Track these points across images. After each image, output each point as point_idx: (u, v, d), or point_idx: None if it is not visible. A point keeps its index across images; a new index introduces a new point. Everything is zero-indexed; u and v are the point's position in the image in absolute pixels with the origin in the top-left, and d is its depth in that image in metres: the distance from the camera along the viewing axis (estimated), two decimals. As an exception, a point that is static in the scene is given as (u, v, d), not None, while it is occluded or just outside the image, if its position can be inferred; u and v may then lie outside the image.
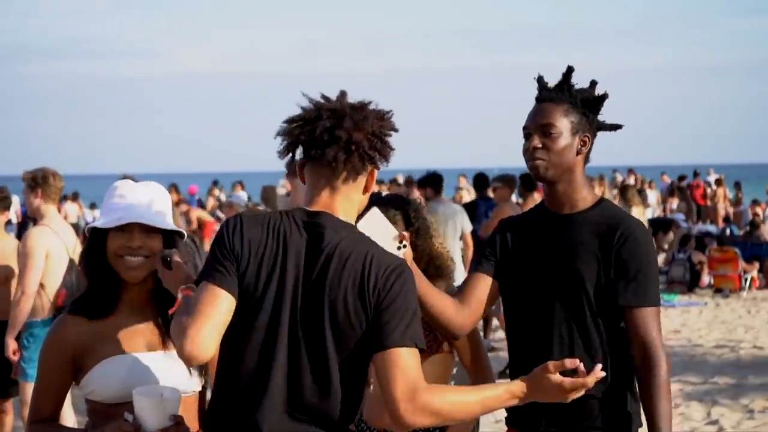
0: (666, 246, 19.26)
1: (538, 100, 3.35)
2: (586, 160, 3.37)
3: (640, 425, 3.35)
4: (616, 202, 12.45)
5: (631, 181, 25.42)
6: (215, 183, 26.86)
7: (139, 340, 3.07)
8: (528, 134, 3.32)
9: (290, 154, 2.79)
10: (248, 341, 2.71)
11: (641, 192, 20.17)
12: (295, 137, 2.76)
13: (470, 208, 11.55)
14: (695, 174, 28.43)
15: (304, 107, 2.77)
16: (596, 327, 3.25)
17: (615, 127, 3.42)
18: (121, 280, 3.06)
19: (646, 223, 12.49)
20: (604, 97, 3.35)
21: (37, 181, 6.64)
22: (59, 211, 7.99)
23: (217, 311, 2.66)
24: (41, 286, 6.51)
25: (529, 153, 3.30)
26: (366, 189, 2.83)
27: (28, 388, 6.37)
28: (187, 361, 2.68)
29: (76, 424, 6.34)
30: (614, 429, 3.29)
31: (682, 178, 27.28)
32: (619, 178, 27.46)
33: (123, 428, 2.80)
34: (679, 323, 13.48)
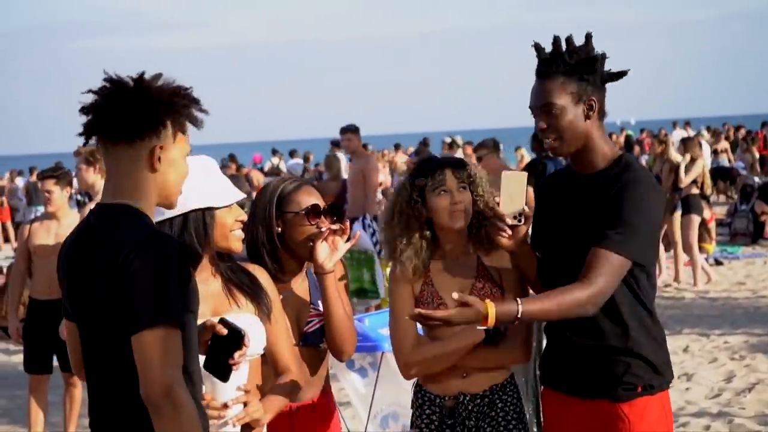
0: (730, 194, 18.96)
1: (536, 76, 3.32)
2: (601, 117, 3.34)
3: (671, 377, 3.36)
4: (678, 154, 12.29)
5: (691, 133, 25.09)
6: (274, 152, 27.00)
7: (204, 306, 3.09)
8: (534, 115, 3.32)
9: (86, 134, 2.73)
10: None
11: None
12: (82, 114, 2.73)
13: (537, 168, 11.41)
14: (763, 125, 27.90)
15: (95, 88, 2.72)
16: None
17: (620, 75, 3.35)
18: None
19: (707, 176, 12.35)
20: (595, 59, 3.28)
21: (96, 156, 6.70)
22: None
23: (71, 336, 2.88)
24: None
25: (540, 134, 3.31)
26: (151, 167, 2.67)
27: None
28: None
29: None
30: (643, 382, 3.29)
31: (738, 128, 26.85)
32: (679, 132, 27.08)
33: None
34: (743, 275, 13.33)
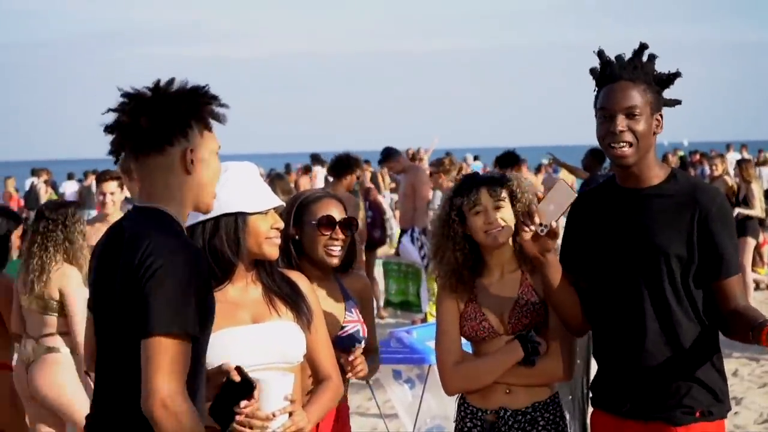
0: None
1: (613, 78, 3.23)
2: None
3: (729, 408, 3.28)
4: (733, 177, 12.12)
5: (746, 156, 24.80)
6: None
7: (243, 313, 3.14)
8: (609, 116, 3.21)
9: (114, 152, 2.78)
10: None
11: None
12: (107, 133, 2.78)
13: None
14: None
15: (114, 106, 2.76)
16: (678, 301, 3.20)
17: (675, 103, 3.33)
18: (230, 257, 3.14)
19: (763, 199, 12.18)
20: (677, 74, 3.27)
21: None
22: None
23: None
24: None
25: (613, 136, 3.19)
26: (186, 171, 2.71)
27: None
28: None
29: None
30: (701, 407, 3.21)
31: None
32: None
33: (240, 409, 2.88)
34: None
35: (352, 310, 3.70)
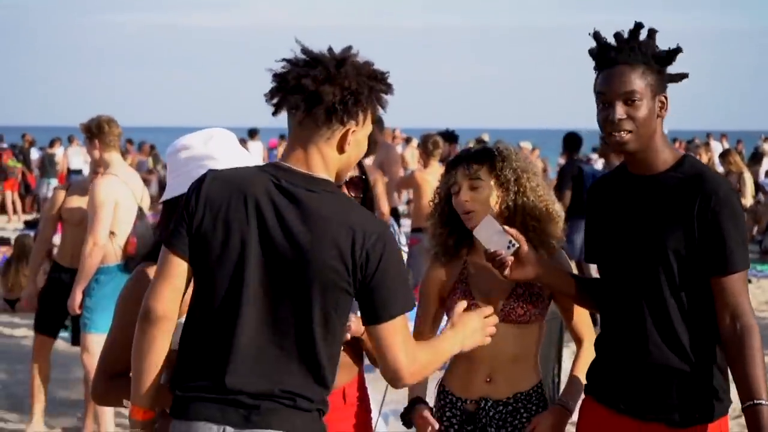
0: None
1: (610, 61, 3.04)
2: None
3: (730, 402, 3.12)
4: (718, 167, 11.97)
5: (726, 146, 24.73)
6: (282, 137, 25.96)
7: None
8: (608, 103, 3.04)
9: (278, 106, 2.74)
10: (210, 300, 2.70)
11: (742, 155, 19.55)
12: (275, 85, 2.74)
13: (573, 171, 10.58)
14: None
15: (290, 58, 2.73)
16: (677, 298, 3.03)
17: (681, 77, 3.11)
18: None
19: (752, 188, 12.03)
20: (678, 51, 3.06)
21: (93, 131, 6.49)
22: (124, 158, 7.87)
23: (173, 274, 2.70)
24: (111, 233, 6.40)
25: (612, 124, 3.03)
26: (340, 149, 2.74)
27: (91, 338, 6.32)
28: (155, 321, 2.69)
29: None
30: (701, 407, 3.05)
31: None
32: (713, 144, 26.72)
33: None
34: (773, 294, 12.98)
35: None
